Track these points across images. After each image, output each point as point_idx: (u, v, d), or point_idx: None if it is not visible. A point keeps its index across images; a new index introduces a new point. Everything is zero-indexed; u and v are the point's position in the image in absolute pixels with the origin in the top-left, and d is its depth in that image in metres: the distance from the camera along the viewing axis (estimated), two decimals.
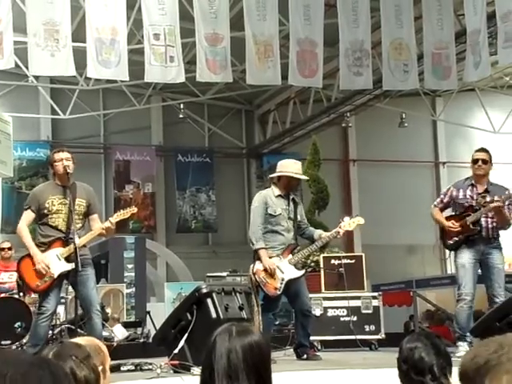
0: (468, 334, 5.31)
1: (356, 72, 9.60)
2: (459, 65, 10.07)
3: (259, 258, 5.47)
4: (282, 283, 5.41)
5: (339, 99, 12.70)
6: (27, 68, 8.95)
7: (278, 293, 5.41)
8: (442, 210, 5.74)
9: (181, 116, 13.57)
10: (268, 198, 5.56)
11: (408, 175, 15.21)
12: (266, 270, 5.44)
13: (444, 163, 15.96)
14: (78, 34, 9.02)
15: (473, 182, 5.61)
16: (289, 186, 5.59)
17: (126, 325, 8.64)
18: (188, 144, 14.71)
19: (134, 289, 10.62)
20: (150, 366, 4.77)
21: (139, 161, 14.14)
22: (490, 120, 13.99)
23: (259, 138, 15.50)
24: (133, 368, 4.78)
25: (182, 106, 13.48)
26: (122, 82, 10.57)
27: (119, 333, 7.71)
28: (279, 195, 5.57)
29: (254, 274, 5.47)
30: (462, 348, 5.24)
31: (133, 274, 10.87)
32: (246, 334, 1.86)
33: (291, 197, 5.65)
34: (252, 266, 5.51)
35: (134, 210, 5.49)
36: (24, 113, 12.24)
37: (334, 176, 15.03)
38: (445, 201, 5.70)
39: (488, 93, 14.15)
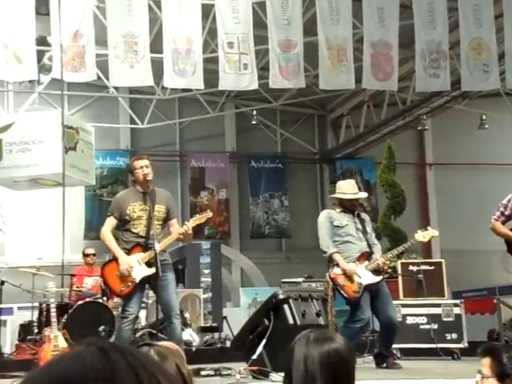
0: None
1: (432, 74, 9.38)
2: None
3: (335, 264, 5.49)
4: (360, 287, 5.43)
5: (415, 102, 12.42)
6: (108, 79, 9.26)
7: (357, 296, 5.40)
8: (503, 223, 5.49)
9: (253, 122, 13.67)
10: (332, 213, 5.78)
11: (489, 178, 14.68)
12: (344, 273, 5.45)
13: None
14: (155, 44, 9.26)
15: None
16: (344, 206, 5.73)
17: (203, 330, 8.77)
18: (261, 150, 14.78)
19: (210, 294, 10.76)
20: (229, 371, 4.83)
21: (213, 167, 14.33)
22: None
23: (332, 142, 15.39)
24: (212, 373, 4.85)
25: (254, 112, 13.58)
26: (196, 90, 10.78)
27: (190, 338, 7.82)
28: (342, 211, 5.72)
29: (331, 279, 5.47)
30: None
31: (209, 280, 11.02)
32: (324, 340, 1.83)
33: (356, 213, 5.77)
34: (329, 271, 5.52)
35: (210, 214, 5.57)
36: (105, 123, 12.67)
37: (410, 180, 14.71)
38: (506, 213, 5.43)
39: None
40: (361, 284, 5.42)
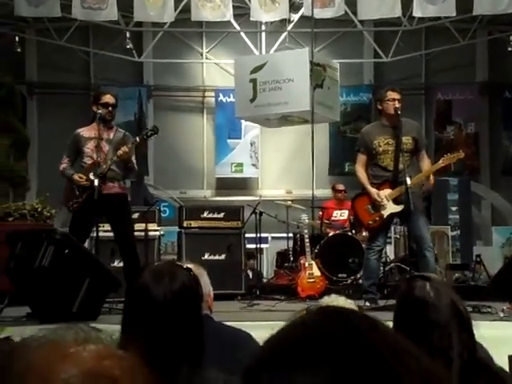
0: None
1: None
2: None
3: None
4: None
5: None
6: (353, 13, 9.19)
7: None
8: None
9: (510, 49, 12.50)
10: None
11: None
12: None
13: None
14: None
15: None
16: None
17: (452, 267, 8.57)
18: None
19: (458, 231, 10.41)
20: (489, 310, 4.67)
21: (461, 100, 13.56)
22: None
23: None
24: (470, 309, 4.72)
25: (511, 38, 12.39)
26: (445, 18, 10.18)
27: None
28: None
29: None
30: None
31: (457, 217, 10.64)
32: None
33: None
34: None
35: (462, 155, 5.38)
36: (349, 58, 12.67)
37: None
38: None
39: None
40: None
